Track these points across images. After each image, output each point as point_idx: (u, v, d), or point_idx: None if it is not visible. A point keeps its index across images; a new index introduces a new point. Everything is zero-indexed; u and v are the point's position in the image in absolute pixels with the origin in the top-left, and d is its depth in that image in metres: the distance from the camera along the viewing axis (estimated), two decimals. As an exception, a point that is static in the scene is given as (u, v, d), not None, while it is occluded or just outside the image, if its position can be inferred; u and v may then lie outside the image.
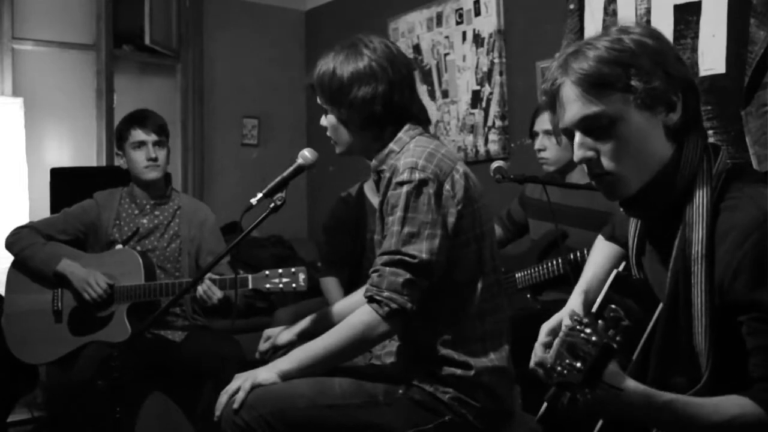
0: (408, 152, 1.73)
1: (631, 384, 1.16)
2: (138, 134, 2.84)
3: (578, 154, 1.32)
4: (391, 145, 1.79)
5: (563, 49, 1.35)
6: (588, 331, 1.07)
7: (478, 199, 1.75)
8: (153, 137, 2.85)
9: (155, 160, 2.84)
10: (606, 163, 1.30)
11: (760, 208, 1.20)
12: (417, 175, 1.66)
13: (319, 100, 1.84)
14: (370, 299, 1.66)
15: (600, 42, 1.29)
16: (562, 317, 1.43)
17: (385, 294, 1.63)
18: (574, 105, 1.30)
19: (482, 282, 1.74)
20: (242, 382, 1.68)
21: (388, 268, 1.65)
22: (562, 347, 1.10)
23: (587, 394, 1.06)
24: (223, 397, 1.68)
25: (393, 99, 1.76)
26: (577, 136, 1.31)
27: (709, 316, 1.23)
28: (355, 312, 1.70)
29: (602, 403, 1.13)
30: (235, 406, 1.64)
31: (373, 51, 1.76)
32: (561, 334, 1.13)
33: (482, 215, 1.76)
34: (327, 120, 1.85)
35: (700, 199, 1.27)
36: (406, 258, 1.63)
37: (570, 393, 1.07)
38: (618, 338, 1.06)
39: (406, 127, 1.79)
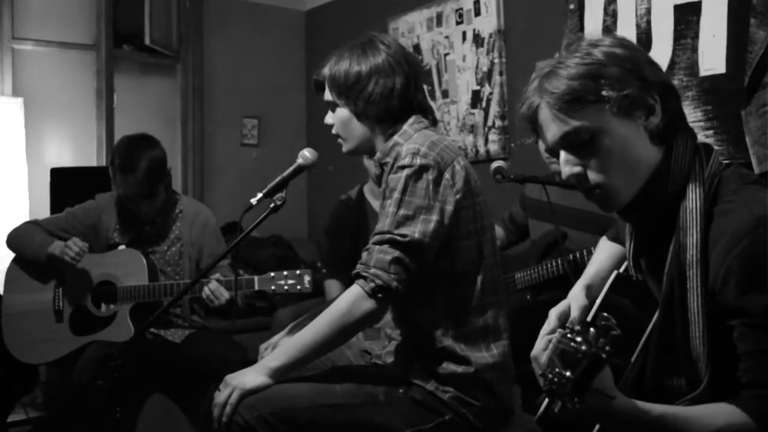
0: (411, 140, 1.74)
1: (621, 398, 1.16)
2: (123, 191, 2.70)
3: (565, 171, 1.32)
4: (396, 138, 1.79)
5: (537, 71, 1.35)
6: (579, 339, 1.07)
7: (479, 194, 1.76)
8: (137, 198, 2.71)
9: (145, 215, 2.80)
10: (593, 176, 1.30)
11: (753, 213, 1.20)
12: (418, 161, 1.66)
13: (329, 95, 1.84)
14: (357, 276, 1.66)
15: (570, 59, 1.30)
16: (570, 303, 1.44)
17: (372, 271, 1.63)
18: (552, 125, 1.31)
19: (482, 275, 1.74)
20: (230, 391, 1.64)
21: (377, 246, 1.65)
22: (554, 354, 1.10)
23: (576, 403, 1.06)
24: (216, 411, 1.65)
25: (409, 93, 1.78)
26: (562, 155, 1.32)
27: (706, 320, 1.22)
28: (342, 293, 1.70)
29: (592, 412, 1.13)
30: (225, 420, 1.62)
31: (388, 47, 1.79)
32: (554, 340, 1.13)
33: (482, 210, 1.76)
34: (336, 115, 1.84)
35: (693, 202, 1.26)
36: (397, 237, 1.63)
37: (560, 401, 1.07)
38: (608, 348, 1.06)
39: (412, 120, 1.80)
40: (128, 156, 2.69)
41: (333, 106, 1.84)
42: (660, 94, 1.29)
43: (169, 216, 2.90)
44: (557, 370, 1.07)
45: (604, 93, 1.26)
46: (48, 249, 2.70)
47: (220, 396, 1.67)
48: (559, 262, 2.59)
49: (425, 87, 4.15)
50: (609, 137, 1.27)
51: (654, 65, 1.32)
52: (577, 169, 1.31)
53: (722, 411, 1.18)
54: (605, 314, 1.13)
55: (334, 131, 1.87)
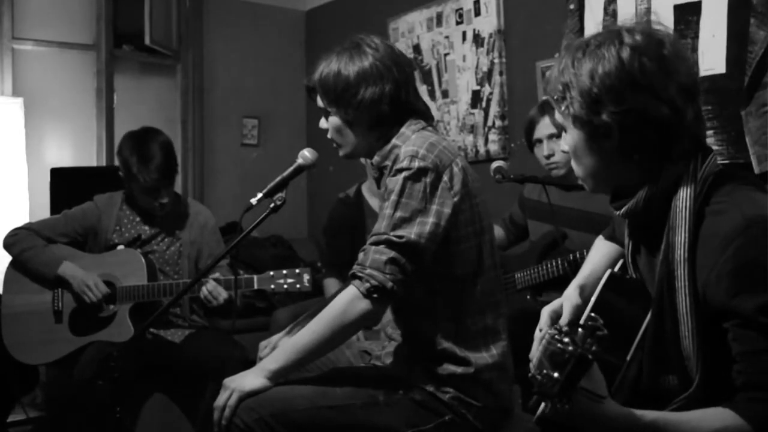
0: (409, 141, 1.73)
1: (610, 401, 1.16)
2: (145, 182, 2.69)
3: (562, 146, 1.41)
4: (394, 141, 1.78)
5: (568, 47, 1.38)
6: (566, 340, 1.07)
7: (477, 195, 1.75)
8: (162, 183, 2.72)
9: (163, 206, 2.79)
10: (578, 170, 1.39)
11: (744, 214, 1.19)
12: (416, 163, 1.66)
13: (320, 103, 1.83)
14: (353, 276, 1.66)
15: (600, 50, 1.27)
16: (563, 302, 1.45)
17: (367, 271, 1.63)
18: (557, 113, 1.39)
19: (482, 277, 1.74)
20: (229, 394, 1.65)
21: (373, 247, 1.65)
22: (543, 355, 1.10)
23: (565, 404, 1.06)
24: (216, 414, 1.66)
25: (400, 97, 1.76)
26: (564, 135, 1.39)
27: (695, 320, 1.22)
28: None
29: (581, 415, 1.13)
30: (224, 423, 1.63)
31: (376, 50, 1.76)
32: (543, 341, 1.14)
33: (481, 211, 1.76)
34: (329, 122, 1.83)
35: (684, 201, 1.26)
36: (393, 238, 1.63)
37: (549, 402, 1.07)
38: (594, 348, 1.06)
39: (408, 122, 1.79)
40: (143, 146, 2.72)
41: (326, 113, 1.84)
42: (674, 109, 1.23)
43: (171, 215, 2.90)
44: (545, 371, 1.07)
45: (602, 132, 1.27)
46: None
47: (219, 399, 1.67)
48: (559, 262, 2.59)
49: (425, 87, 4.20)
50: (600, 154, 1.33)
51: (682, 67, 1.26)
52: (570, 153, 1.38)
53: (716, 415, 1.17)
54: (593, 314, 1.14)
55: (329, 136, 1.86)
